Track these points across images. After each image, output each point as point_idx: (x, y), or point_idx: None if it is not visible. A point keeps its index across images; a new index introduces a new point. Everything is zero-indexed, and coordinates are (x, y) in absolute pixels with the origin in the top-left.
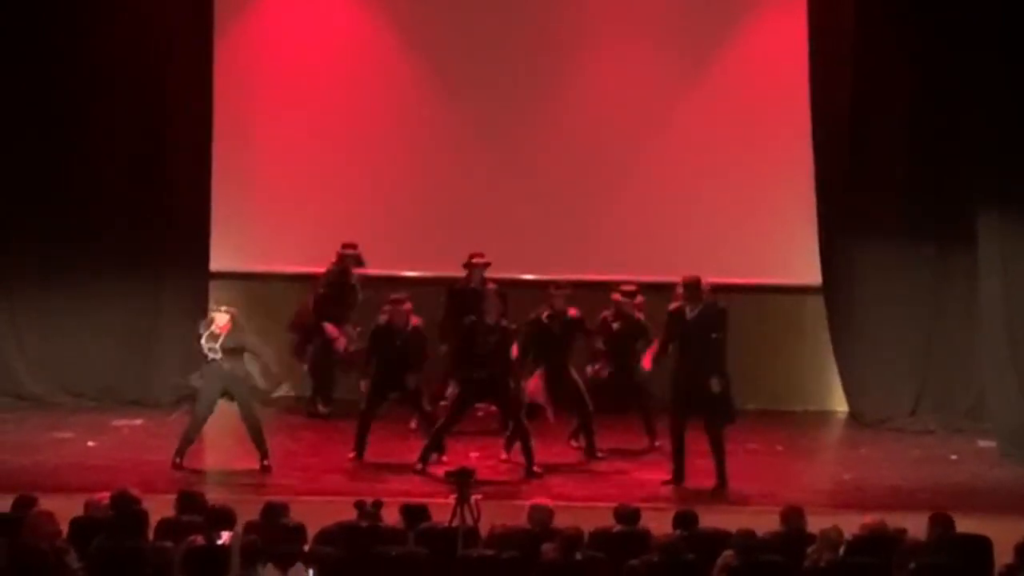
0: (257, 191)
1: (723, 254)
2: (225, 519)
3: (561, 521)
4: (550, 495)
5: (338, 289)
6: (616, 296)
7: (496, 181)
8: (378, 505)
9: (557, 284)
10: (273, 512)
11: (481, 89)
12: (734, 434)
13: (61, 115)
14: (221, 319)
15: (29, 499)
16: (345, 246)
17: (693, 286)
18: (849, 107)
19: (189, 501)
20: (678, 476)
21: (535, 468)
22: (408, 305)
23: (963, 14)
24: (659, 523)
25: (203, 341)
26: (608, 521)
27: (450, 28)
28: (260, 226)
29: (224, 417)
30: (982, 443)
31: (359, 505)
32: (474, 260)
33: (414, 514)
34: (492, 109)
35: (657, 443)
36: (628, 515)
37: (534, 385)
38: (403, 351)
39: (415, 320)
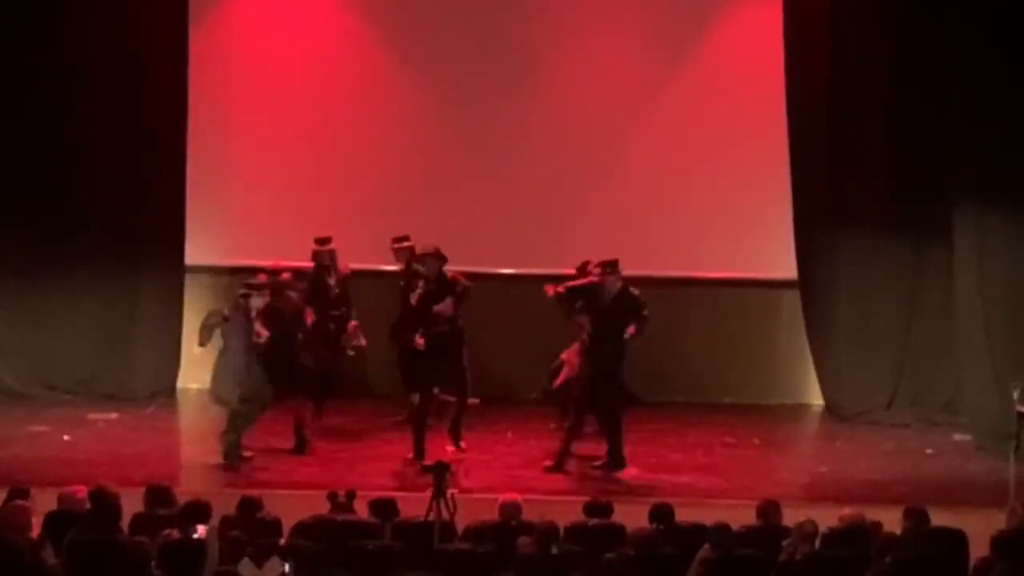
0: (232, 185)
1: (699, 248)
2: (200, 513)
3: (536, 515)
4: (525, 488)
5: (318, 289)
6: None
7: (472, 175)
8: (351, 496)
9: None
10: (249, 506)
11: (458, 83)
12: (711, 428)
13: (36, 111)
14: (258, 302)
15: (22, 491)
16: (318, 241)
17: (612, 265)
18: (825, 101)
19: (157, 495)
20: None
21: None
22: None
23: (942, 7)
24: (635, 517)
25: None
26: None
27: (426, 22)
28: (235, 220)
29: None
30: (958, 437)
31: (331, 497)
32: (394, 246)
33: (383, 509)
34: (469, 102)
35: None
36: (599, 509)
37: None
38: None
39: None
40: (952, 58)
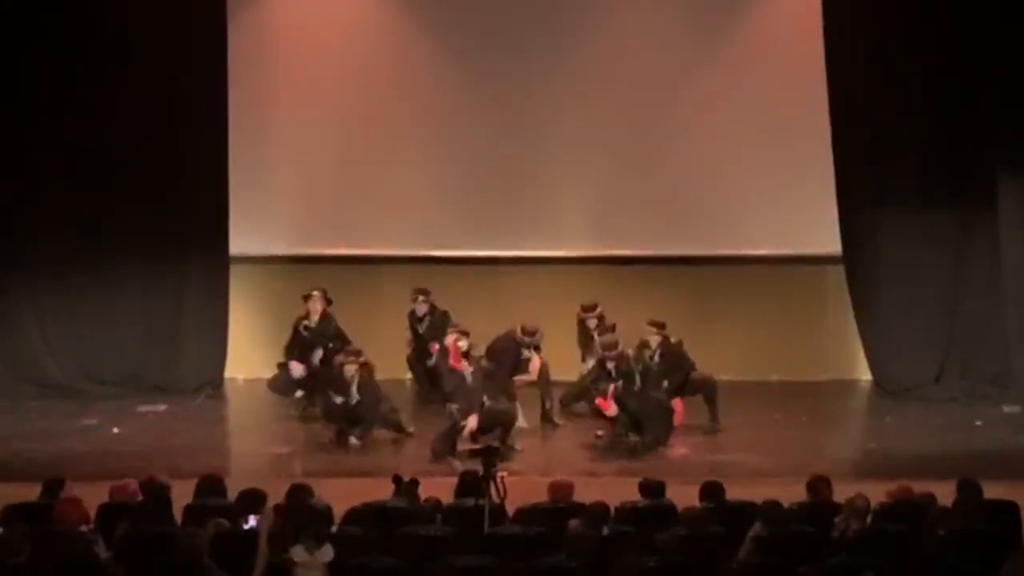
0: (275, 174)
1: (743, 226)
2: (256, 502)
3: (587, 496)
4: (575, 471)
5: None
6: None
7: (514, 159)
8: (415, 483)
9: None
10: (299, 494)
11: (497, 68)
12: (758, 405)
13: (80, 106)
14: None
15: (57, 483)
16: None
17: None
18: (866, 76)
19: (209, 486)
20: None
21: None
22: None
23: None
24: (686, 496)
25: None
26: (634, 495)
27: (463, 7)
28: (279, 209)
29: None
30: (1007, 409)
31: (397, 479)
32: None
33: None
34: (508, 87)
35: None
36: (653, 488)
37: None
38: None
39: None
40: (994, 31)
